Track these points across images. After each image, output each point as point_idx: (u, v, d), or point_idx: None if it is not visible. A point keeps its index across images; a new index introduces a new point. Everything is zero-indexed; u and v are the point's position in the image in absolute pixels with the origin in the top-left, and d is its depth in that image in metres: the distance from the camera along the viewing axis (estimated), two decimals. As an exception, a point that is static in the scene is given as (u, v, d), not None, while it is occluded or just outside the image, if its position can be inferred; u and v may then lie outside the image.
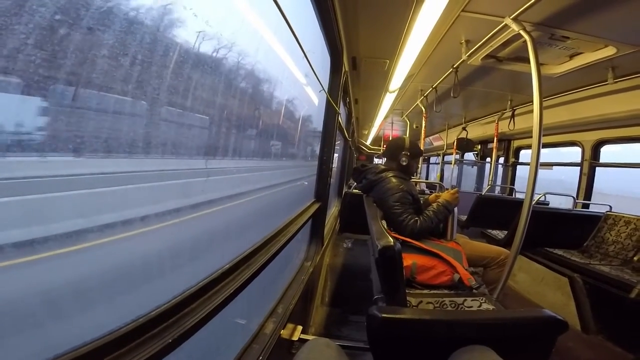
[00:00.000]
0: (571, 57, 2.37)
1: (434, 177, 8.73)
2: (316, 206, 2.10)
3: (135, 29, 0.70)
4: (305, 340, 1.33)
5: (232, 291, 0.78)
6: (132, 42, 0.70)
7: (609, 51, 2.09)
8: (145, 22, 0.73)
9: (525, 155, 4.96)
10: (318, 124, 2.32)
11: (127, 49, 0.68)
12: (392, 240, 1.18)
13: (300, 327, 1.48)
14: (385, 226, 1.72)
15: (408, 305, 1.49)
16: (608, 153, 3.52)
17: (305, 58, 1.35)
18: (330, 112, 2.22)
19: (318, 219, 2.25)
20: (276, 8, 0.94)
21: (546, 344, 1.05)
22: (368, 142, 10.61)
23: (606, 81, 2.51)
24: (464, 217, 3.81)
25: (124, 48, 0.67)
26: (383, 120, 6.11)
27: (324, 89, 2.00)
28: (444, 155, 6.69)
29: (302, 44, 1.23)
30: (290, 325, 1.41)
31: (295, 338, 1.42)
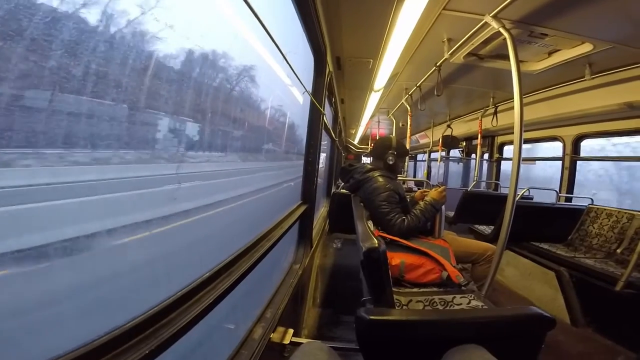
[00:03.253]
0: (550, 54, 2.42)
1: (421, 174, 8.82)
2: (303, 208, 2.08)
3: (92, 28, 0.67)
4: (298, 343, 1.31)
5: (213, 299, 0.76)
6: (87, 42, 0.66)
7: (586, 48, 2.14)
8: (102, 21, 0.70)
9: (509, 150, 5.06)
10: (303, 125, 2.30)
11: (79, 47, 0.65)
12: (376, 242, 1.18)
13: (291, 330, 1.47)
14: (372, 226, 1.71)
15: (398, 304, 1.49)
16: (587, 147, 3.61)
17: (285, 60, 1.33)
18: (315, 113, 2.20)
19: (305, 221, 2.24)
20: (250, 11, 0.92)
21: (535, 341, 1.07)
22: (356, 141, 10.64)
23: (584, 77, 2.57)
24: (451, 213, 3.85)
25: (74, 45, 0.64)
26: (370, 119, 6.14)
27: (307, 91, 1.99)
28: (430, 152, 6.77)
29: (281, 46, 1.21)
30: (280, 329, 1.40)
31: (286, 341, 1.41)
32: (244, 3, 0.92)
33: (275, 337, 1.30)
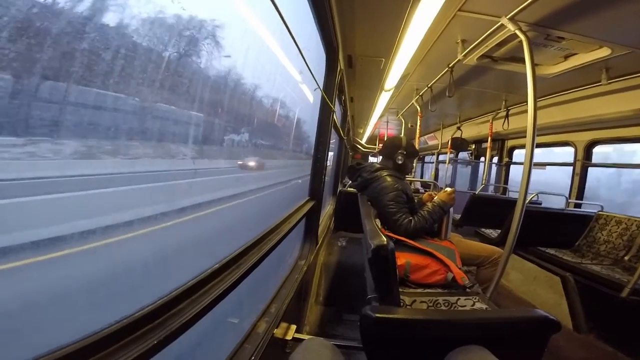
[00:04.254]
0: (566, 57, 2.38)
1: (428, 176, 8.77)
2: (310, 204, 2.09)
3: (116, 26, 0.68)
4: (300, 340, 1.32)
5: (221, 291, 0.76)
6: (114, 39, 0.68)
7: (604, 52, 2.10)
8: (130, 17, 0.71)
9: (518, 154, 5.00)
10: (313, 122, 2.30)
11: (109, 44, 0.66)
12: (385, 240, 1.17)
13: (294, 327, 1.48)
14: (379, 225, 1.71)
15: (402, 304, 1.49)
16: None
17: (300, 55, 1.33)
18: (325, 110, 2.20)
19: (312, 217, 2.24)
20: (272, 6, 0.92)
21: (539, 344, 1.06)
22: (363, 141, 10.60)
23: (600, 82, 2.52)
24: (457, 216, 3.82)
25: (106, 44, 0.65)
26: (378, 119, 6.11)
27: (319, 87, 1.99)
28: (438, 154, 6.71)
29: (297, 41, 1.21)
30: (284, 325, 1.40)
31: (289, 337, 1.41)
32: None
33: (278, 332, 1.31)
